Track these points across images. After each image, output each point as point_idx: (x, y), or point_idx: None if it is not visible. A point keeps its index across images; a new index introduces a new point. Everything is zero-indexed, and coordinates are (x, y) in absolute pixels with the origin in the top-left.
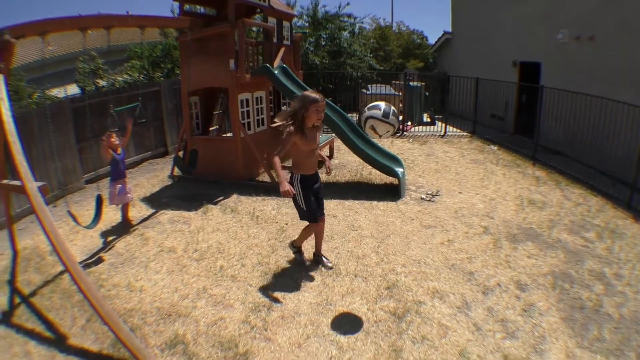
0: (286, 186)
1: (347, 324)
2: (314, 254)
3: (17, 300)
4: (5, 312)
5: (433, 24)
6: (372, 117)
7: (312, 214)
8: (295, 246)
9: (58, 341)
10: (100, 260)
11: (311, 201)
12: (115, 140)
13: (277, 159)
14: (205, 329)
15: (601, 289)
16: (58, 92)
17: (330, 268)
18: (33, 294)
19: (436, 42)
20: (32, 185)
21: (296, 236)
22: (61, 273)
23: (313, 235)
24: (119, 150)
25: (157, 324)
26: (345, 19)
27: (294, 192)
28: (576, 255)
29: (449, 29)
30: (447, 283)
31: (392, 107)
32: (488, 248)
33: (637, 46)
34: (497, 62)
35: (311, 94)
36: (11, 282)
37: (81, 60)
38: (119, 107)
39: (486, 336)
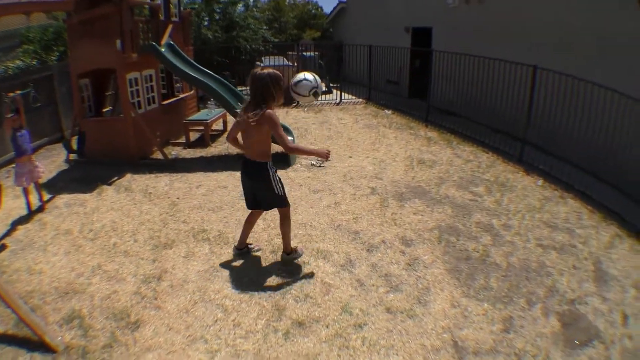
0: (324, 151)
1: (232, 288)
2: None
3: None
4: None
5: None
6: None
7: (286, 199)
8: (290, 251)
9: None
10: (3, 248)
11: (283, 187)
12: (17, 120)
13: (294, 144)
14: (99, 303)
15: (489, 240)
16: None
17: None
18: None
19: (331, 12)
20: None
21: (195, 212)
22: None
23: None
24: (22, 130)
25: (55, 302)
26: None
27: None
28: (464, 209)
29: None
30: (332, 243)
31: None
32: (375, 208)
33: (523, 5)
34: (391, 29)
35: (271, 71)
36: None
37: None
38: (5, 95)
39: (369, 291)
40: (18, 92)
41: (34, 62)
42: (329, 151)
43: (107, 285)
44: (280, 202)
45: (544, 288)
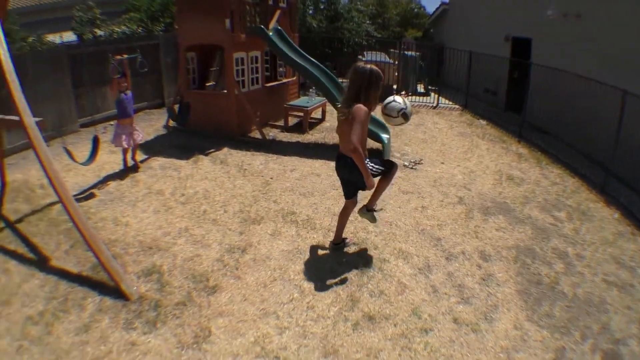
0: (372, 183)
1: (312, 272)
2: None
3: (1, 225)
4: None
5: None
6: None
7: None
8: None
9: (39, 262)
10: (91, 196)
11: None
12: (123, 82)
13: (361, 152)
14: (181, 263)
15: (561, 268)
16: (53, 39)
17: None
18: (19, 220)
19: (434, 13)
20: (29, 120)
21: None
22: (50, 204)
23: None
24: (128, 92)
25: (137, 254)
26: None
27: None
28: (543, 232)
29: (447, 0)
30: (414, 246)
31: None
32: (459, 217)
33: (623, 22)
34: (491, 36)
35: (373, 67)
36: None
37: (77, 9)
38: (112, 57)
39: (441, 298)
40: (125, 55)
41: (139, 30)
42: (374, 185)
43: (192, 248)
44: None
45: (599, 324)
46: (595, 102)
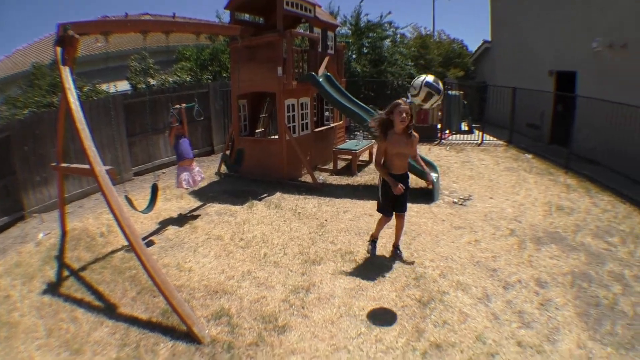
0: (399, 188)
1: (375, 307)
2: (393, 246)
3: (65, 273)
4: (52, 283)
5: (473, 32)
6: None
7: (384, 207)
8: (371, 237)
9: (107, 310)
10: (151, 243)
11: (387, 197)
12: (180, 129)
13: (378, 163)
14: (248, 305)
15: (619, 289)
16: (107, 88)
17: (409, 263)
18: (83, 269)
19: (476, 51)
20: (100, 169)
21: (343, 233)
22: (112, 252)
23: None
24: (185, 138)
25: (204, 299)
26: (387, 27)
27: (403, 188)
28: (598, 258)
29: (489, 38)
30: (471, 277)
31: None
32: (512, 248)
33: None
34: (535, 71)
35: (397, 101)
36: (59, 257)
37: (133, 59)
38: (172, 106)
39: (503, 325)
40: (184, 105)
41: (188, 79)
42: (402, 188)
43: (257, 290)
44: (378, 206)
45: None
46: None
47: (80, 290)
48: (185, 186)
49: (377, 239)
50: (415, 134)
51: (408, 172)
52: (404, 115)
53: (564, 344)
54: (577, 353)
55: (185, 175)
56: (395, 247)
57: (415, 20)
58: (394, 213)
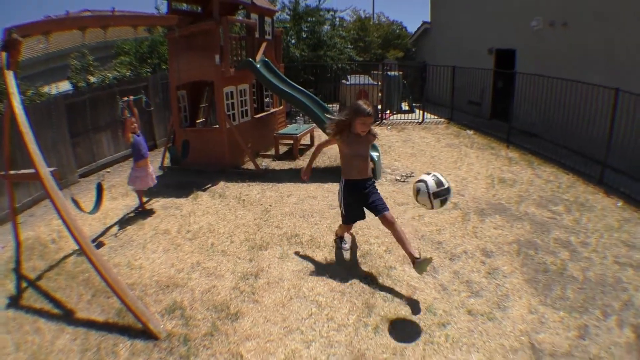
0: (305, 174)
1: (324, 287)
2: (412, 262)
3: (24, 285)
4: (14, 296)
5: (413, 14)
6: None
7: (345, 216)
8: (337, 235)
9: (66, 316)
10: (100, 245)
11: (349, 207)
12: (134, 122)
13: (317, 147)
14: (200, 296)
15: (566, 255)
16: (50, 89)
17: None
18: (39, 278)
19: (415, 32)
20: (45, 171)
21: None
22: (65, 257)
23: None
24: (137, 132)
25: (156, 294)
26: (325, 13)
27: (307, 179)
28: (542, 226)
29: (428, 19)
30: (417, 251)
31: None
32: (456, 221)
33: (608, 31)
34: (474, 50)
35: (362, 105)
36: (17, 270)
37: (73, 58)
38: (120, 99)
39: (452, 295)
40: (131, 97)
41: (128, 73)
42: (305, 179)
43: (207, 281)
44: (341, 215)
45: (620, 302)
46: (584, 103)
47: (39, 300)
48: (140, 187)
49: (342, 236)
50: (375, 132)
51: (372, 178)
52: (367, 126)
53: (514, 310)
54: (529, 318)
55: (141, 177)
56: (413, 258)
57: (354, 4)
58: (380, 219)
